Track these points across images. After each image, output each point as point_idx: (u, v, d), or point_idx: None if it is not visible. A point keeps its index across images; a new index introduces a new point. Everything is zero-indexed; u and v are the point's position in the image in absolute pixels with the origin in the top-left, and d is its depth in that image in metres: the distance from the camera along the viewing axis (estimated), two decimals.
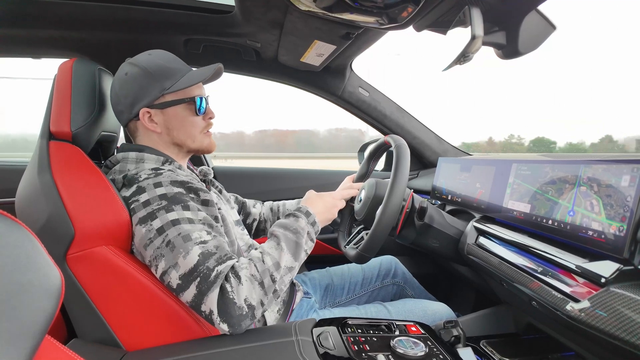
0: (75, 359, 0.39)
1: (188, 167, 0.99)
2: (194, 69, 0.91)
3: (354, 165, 1.66)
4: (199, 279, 0.68)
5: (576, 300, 0.63)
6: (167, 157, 0.88)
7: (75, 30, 1.18)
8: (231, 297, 0.68)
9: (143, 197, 0.75)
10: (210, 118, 0.93)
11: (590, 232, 0.67)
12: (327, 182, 1.76)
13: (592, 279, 0.63)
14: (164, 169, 0.82)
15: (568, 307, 0.63)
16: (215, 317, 0.67)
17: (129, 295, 0.74)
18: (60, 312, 0.40)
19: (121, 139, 1.09)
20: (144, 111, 0.85)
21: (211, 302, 0.67)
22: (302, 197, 1.26)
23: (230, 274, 0.70)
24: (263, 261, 0.74)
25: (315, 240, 0.85)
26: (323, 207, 0.93)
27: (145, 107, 0.85)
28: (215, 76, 0.95)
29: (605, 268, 0.62)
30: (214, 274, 0.68)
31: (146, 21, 1.15)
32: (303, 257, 0.81)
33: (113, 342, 0.74)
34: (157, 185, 0.77)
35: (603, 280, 0.61)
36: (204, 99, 0.90)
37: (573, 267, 0.67)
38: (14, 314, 0.30)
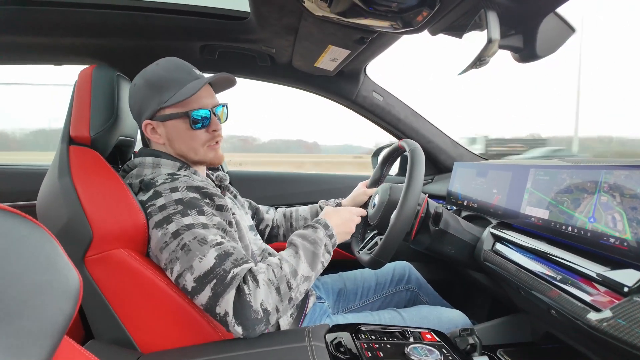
0: (92, 359, 0.40)
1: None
2: (206, 75, 0.90)
3: None
4: (214, 281, 0.68)
5: (597, 310, 0.61)
6: (183, 162, 0.89)
7: (95, 38, 1.22)
8: (248, 299, 0.68)
9: (159, 202, 0.77)
10: (215, 131, 0.89)
11: (612, 240, 0.65)
12: (340, 186, 1.75)
13: (614, 287, 0.61)
14: (179, 174, 0.83)
15: (589, 317, 0.62)
16: (230, 319, 0.67)
17: (144, 297, 0.75)
18: (77, 313, 0.41)
19: (138, 144, 1.11)
20: (145, 123, 0.86)
21: (227, 304, 0.67)
22: (315, 202, 1.27)
23: (248, 277, 0.70)
24: (281, 267, 0.74)
25: (332, 253, 0.85)
26: (340, 220, 0.92)
27: (147, 119, 0.86)
28: (228, 84, 0.95)
29: (628, 277, 0.60)
30: (229, 276, 0.69)
31: (163, 28, 1.18)
32: (319, 269, 0.81)
33: (129, 343, 0.75)
34: (174, 190, 0.78)
35: (626, 289, 0.59)
36: (206, 111, 0.86)
37: (594, 275, 0.65)
38: (34, 314, 0.30)
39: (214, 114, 0.88)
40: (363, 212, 1.06)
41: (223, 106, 0.92)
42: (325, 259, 0.82)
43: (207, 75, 0.90)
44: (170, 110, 0.85)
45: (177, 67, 0.86)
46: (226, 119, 0.94)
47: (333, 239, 0.86)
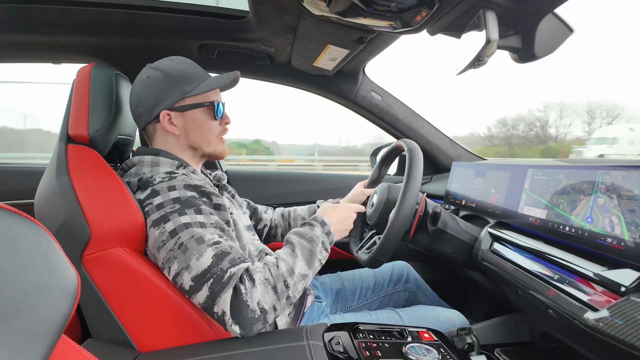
0: (90, 358, 0.40)
1: (202, 172, 1.00)
2: (211, 74, 0.93)
3: None
4: (212, 280, 0.68)
5: (594, 309, 0.61)
6: (182, 161, 0.89)
7: (94, 36, 1.21)
8: (244, 299, 0.68)
9: (157, 200, 0.77)
10: (227, 123, 0.96)
11: (609, 240, 0.66)
12: (338, 186, 1.75)
13: (611, 287, 0.61)
14: (178, 173, 0.83)
15: (586, 316, 0.62)
16: (228, 318, 0.67)
17: (142, 296, 0.75)
18: (75, 312, 0.41)
19: (136, 143, 1.11)
20: (164, 113, 0.87)
21: (224, 304, 0.67)
22: (313, 201, 1.27)
23: (244, 276, 0.70)
24: (277, 266, 0.74)
25: (329, 250, 0.85)
26: (338, 217, 0.92)
27: (165, 110, 0.87)
28: (231, 84, 0.96)
29: (625, 276, 0.60)
30: (227, 275, 0.69)
31: (162, 27, 1.17)
32: (317, 266, 0.81)
33: (126, 342, 0.75)
34: (171, 188, 0.78)
35: (623, 289, 0.59)
36: (221, 104, 0.92)
37: (591, 275, 0.66)
38: (32, 313, 0.30)
39: (224, 108, 0.95)
40: (362, 208, 1.06)
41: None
42: (322, 256, 0.82)
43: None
44: (192, 101, 0.89)
45: (193, 64, 0.92)
46: None
47: (330, 236, 0.86)
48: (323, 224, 0.86)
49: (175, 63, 0.90)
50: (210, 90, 0.89)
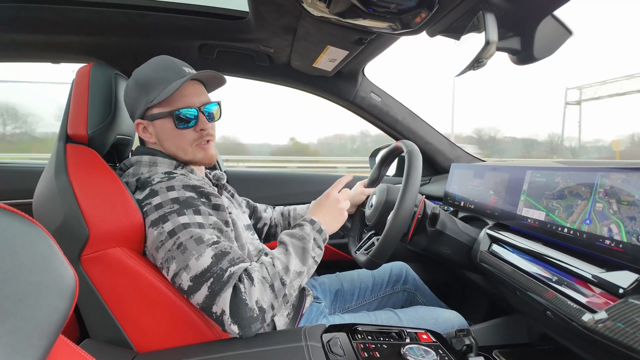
0: (88, 358, 0.40)
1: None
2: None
3: None
4: (211, 279, 0.69)
5: (592, 311, 0.61)
6: (179, 161, 0.89)
7: (93, 36, 1.21)
8: (243, 297, 0.68)
9: (155, 200, 0.76)
10: (202, 130, 0.87)
11: (607, 241, 0.66)
12: None
13: (610, 289, 0.62)
14: (176, 173, 0.83)
15: (584, 318, 0.62)
16: (227, 317, 0.67)
17: (141, 297, 0.75)
18: (73, 312, 0.41)
19: (136, 142, 1.11)
20: (137, 122, 0.88)
21: (223, 303, 0.67)
22: (313, 201, 1.27)
23: (243, 276, 0.71)
24: (273, 265, 0.75)
25: (323, 248, 0.85)
26: (324, 210, 0.93)
27: (138, 119, 0.87)
28: (218, 83, 0.93)
29: (623, 278, 0.60)
30: (227, 274, 0.69)
31: (161, 27, 1.17)
32: (311, 264, 0.81)
33: (124, 343, 0.75)
34: (170, 188, 0.78)
35: (621, 291, 0.59)
36: (193, 110, 0.85)
37: (589, 276, 0.66)
38: (30, 313, 0.30)
39: (203, 112, 0.87)
40: (353, 199, 1.08)
41: (216, 104, 0.92)
42: (316, 254, 0.83)
43: None
44: (157, 110, 0.85)
45: (164, 67, 0.86)
46: (219, 118, 0.94)
47: (322, 233, 0.86)
48: (312, 222, 0.87)
49: (148, 67, 0.86)
50: (167, 97, 0.81)
